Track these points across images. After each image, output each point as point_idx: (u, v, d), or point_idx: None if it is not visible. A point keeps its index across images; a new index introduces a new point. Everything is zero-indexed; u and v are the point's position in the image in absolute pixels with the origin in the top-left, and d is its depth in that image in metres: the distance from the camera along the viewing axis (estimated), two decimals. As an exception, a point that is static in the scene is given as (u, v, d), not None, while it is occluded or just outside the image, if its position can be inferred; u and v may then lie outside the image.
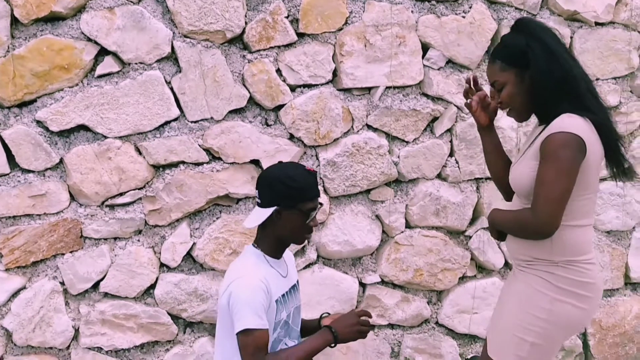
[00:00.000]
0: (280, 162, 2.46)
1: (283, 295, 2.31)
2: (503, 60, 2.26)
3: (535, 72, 2.19)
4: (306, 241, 2.38)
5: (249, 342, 2.14)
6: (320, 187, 3.30)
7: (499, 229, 2.39)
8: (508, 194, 2.49)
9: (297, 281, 2.49)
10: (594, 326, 3.73)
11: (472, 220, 3.55)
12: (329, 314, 2.46)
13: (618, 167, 2.30)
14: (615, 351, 3.77)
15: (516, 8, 3.48)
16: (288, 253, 2.52)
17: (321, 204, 2.38)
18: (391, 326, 3.54)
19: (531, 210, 2.16)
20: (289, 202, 2.24)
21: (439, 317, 3.58)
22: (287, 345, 2.33)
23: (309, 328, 2.52)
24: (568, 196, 2.14)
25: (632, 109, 3.69)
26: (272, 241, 2.33)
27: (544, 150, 2.13)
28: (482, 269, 3.62)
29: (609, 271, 3.74)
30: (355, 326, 2.32)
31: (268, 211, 2.25)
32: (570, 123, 2.12)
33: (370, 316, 2.38)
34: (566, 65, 2.19)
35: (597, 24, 3.59)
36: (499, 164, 2.54)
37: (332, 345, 2.29)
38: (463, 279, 3.58)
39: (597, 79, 3.62)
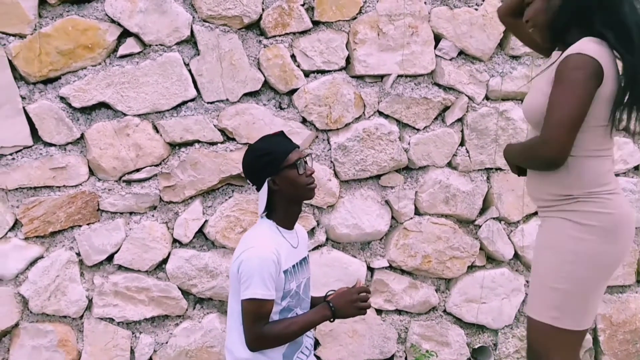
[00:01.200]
0: (248, 145, 2.56)
1: (293, 266, 2.36)
2: None
3: None
4: (314, 194, 2.40)
5: (252, 310, 2.21)
6: (330, 171, 3.40)
7: (513, 162, 2.36)
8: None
9: (307, 256, 2.54)
10: (604, 322, 3.72)
11: (482, 210, 3.59)
12: (334, 291, 2.49)
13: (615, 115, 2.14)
14: (626, 348, 3.74)
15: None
16: (301, 229, 2.57)
17: (309, 154, 2.45)
18: (398, 312, 3.58)
19: (541, 135, 2.09)
20: (273, 168, 2.31)
21: (447, 305, 3.61)
22: (298, 315, 2.38)
23: (315, 304, 2.55)
24: (579, 121, 2.05)
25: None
26: (282, 209, 2.38)
27: (557, 73, 2.06)
28: (492, 260, 3.64)
29: (620, 267, 3.73)
30: (354, 302, 2.35)
31: (265, 188, 2.33)
32: (590, 47, 2.05)
33: (369, 292, 2.40)
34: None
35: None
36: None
37: (331, 320, 2.34)
38: (472, 268, 3.61)
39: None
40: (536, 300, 2.25)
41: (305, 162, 2.38)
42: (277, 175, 2.31)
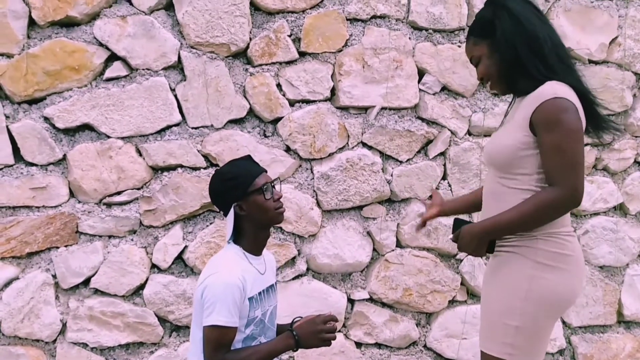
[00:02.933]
0: (215, 170, 2.52)
1: (259, 293, 2.30)
2: (475, 34, 2.29)
3: (501, 38, 2.19)
4: (282, 218, 2.36)
5: (214, 337, 2.15)
6: (313, 200, 3.40)
7: (510, 233, 2.21)
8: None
9: (275, 283, 2.48)
10: (586, 361, 3.70)
11: (464, 245, 3.58)
12: (301, 317, 2.41)
13: (599, 127, 2.24)
14: (608, 389, 3.71)
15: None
16: (269, 255, 2.52)
17: (278, 178, 2.40)
18: (378, 345, 3.53)
19: (555, 183, 2.07)
20: (239, 193, 2.26)
21: (427, 340, 3.56)
22: (261, 343, 2.31)
23: (281, 331, 2.46)
24: (584, 161, 2.08)
25: (626, 146, 3.76)
26: (250, 235, 2.32)
27: (542, 119, 2.08)
28: (473, 295, 3.62)
29: (601, 306, 3.73)
30: (319, 333, 2.27)
31: (231, 213, 2.28)
32: (562, 90, 2.09)
33: (336, 320, 2.33)
34: (529, 27, 2.17)
35: (590, 61, 3.71)
36: (478, 196, 2.51)
37: (294, 349, 2.28)
38: (453, 302, 3.59)
39: (591, 115, 3.71)
40: (489, 334, 2.25)
41: (273, 186, 2.34)
42: (243, 201, 2.26)
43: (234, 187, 2.27)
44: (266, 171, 2.37)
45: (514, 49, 2.17)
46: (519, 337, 2.16)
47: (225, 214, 2.32)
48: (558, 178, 2.07)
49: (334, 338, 2.30)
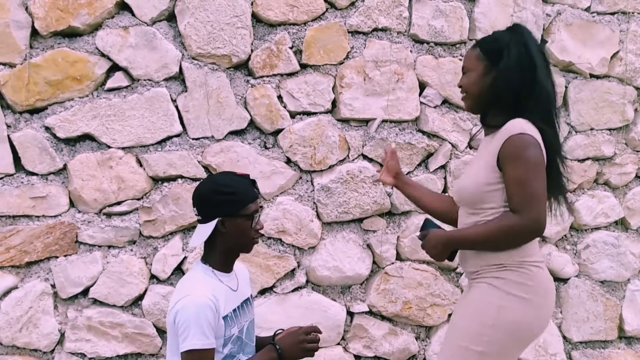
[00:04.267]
0: (209, 175, 2.42)
1: (234, 310, 2.25)
2: (482, 49, 2.32)
3: (503, 70, 2.23)
4: (255, 244, 2.32)
5: None
6: (313, 212, 3.39)
7: (470, 248, 2.31)
8: (452, 220, 2.54)
9: (251, 295, 2.43)
10: (586, 377, 3.67)
11: (464, 258, 3.57)
12: (282, 330, 2.37)
13: (555, 182, 2.32)
14: (608, 405, 3.68)
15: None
16: (241, 267, 2.46)
17: (262, 207, 2.31)
18: (377, 359, 3.51)
19: (517, 213, 2.15)
20: (230, 210, 2.20)
21: (427, 353, 3.55)
22: None
23: (263, 345, 2.40)
24: (545, 193, 2.17)
25: (627, 160, 3.76)
26: (220, 254, 2.26)
27: (507, 154, 2.16)
28: (473, 309, 3.60)
29: (602, 321, 3.71)
30: (301, 344, 2.23)
31: (211, 225, 2.20)
32: (527, 127, 2.18)
33: (319, 332, 2.29)
34: (538, 72, 2.23)
35: (592, 75, 3.72)
36: (433, 200, 2.62)
37: None
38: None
39: (592, 129, 3.72)
40: (448, 357, 2.31)
41: (259, 216, 2.29)
42: (229, 219, 2.20)
43: (228, 202, 2.19)
44: (259, 197, 2.31)
45: (509, 86, 2.23)
46: None
47: (202, 222, 2.24)
48: (520, 209, 2.15)
49: (317, 349, 2.27)
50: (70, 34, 3.21)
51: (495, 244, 2.23)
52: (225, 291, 2.22)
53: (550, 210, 2.35)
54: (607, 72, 3.72)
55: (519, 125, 2.18)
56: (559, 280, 3.69)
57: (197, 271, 2.27)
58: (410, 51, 3.50)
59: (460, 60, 3.53)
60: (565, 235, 3.73)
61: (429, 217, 2.60)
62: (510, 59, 2.23)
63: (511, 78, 2.22)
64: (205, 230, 2.21)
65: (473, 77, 2.32)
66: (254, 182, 2.30)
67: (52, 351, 3.20)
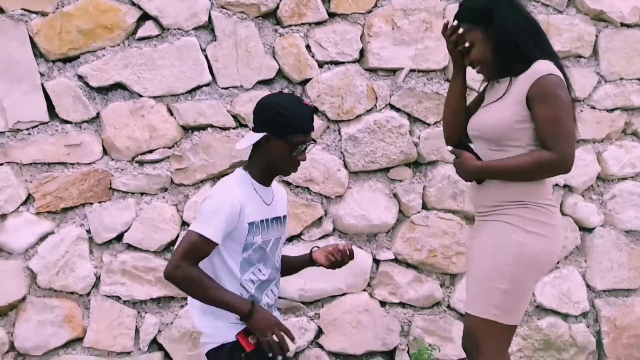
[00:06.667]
0: (280, 92, 2.47)
1: (262, 221, 2.29)
2: (468, 21, 2.37)
3: (501, 25, 2.31)
4: (287, 175, 2.43)
5: (190, 242, 2.16)
6: (340, 161, 3.43)
7: (501, 178, 2.35)
8: (452, 137, 2.58)
9: (284, 217, 2.47)
10: (608, 325, 3.72)
11: (489, 208, 3.60)
12: (318, 247, 2.46)
13: None
14: (630, 352, 3.73)
15: (543, 3, 3.60)
16: (280, 188, 2.53)
17: (314, 141, 2.34)
18: (402, 305, 3.59)
19: (552, 149, 2.25)
20: (277, 131, 2.23)
21: (451, 300, 3.61)
22: (261, 271, 2.31)
23: (299, 262, 2.55)
24: (575, 131, 2.31)
25: (657, 111, 3.74)
26: (259, 167, 2.32)
27: (538, 94, 2.25)
28: (497, 258, 3.65)
29: (626, 270, 3.74)
30: (272, 327, 2.20)
31: (257, 136, 2.25)
32: (553, 67, 2.29)
33: (292, 339, 2.24)
34: (528, 16, 2.38)
35: (622, 24, 3.68)
36: (461, 105, 2.60)
37: (240, 318, 2.20)
38: (477, 265, 3.62)
39: (622, 79, 3.70)
40: (477, 298, 2.41)
41: (305, 149, 2.32)
42: (275, 138, 2.23)
43: (277, 123, 2.23)
44: (313, 131, 2.33)
45: (513, 34, 2.31)
46: (506, 299, 2.33)
47: (254, 130, 2.31)
48: (554, 146, 2.26)
49: (279, 353, 2.20)
50: (101, -17, 3.24)
51: (526, 175, 2.32)
52: (257, 200, 2.30)
53: None
54: (638, 20, 3.67)
55: (547, 67, 2.28)
56: (584, 229, 3.71)
57: (234, 176, 2.36)
58: (440, -1, 3.49)
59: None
60: (591, 185, 3.74)
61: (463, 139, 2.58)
62: (500, 11, 2.32)
63: (513, 27, 2.31)
64: (251, 139, 2.30)
65: (479, 47, 2.38)
66: (313, 116, 2.32)
67: (89, 294, 3.31)
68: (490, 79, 2.51)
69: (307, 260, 2.50)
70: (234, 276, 2.25)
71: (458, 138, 2.55)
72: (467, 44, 2.40)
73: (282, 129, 2.23)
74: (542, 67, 2.28)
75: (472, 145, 2.50)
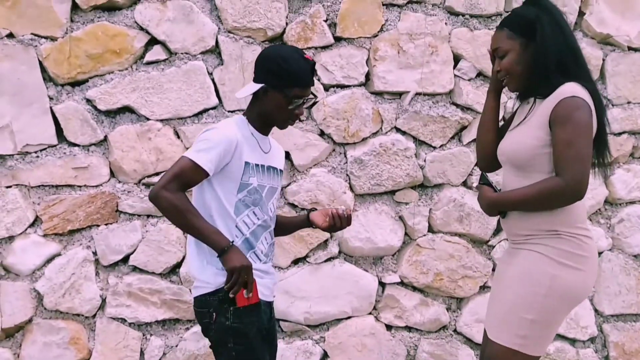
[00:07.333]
0: (283, 44, 2.43)
1: (257, 165, 2.29)
2: (511, 28, 2.32)
3: (542, 43, 2.24)
4: (289, 125, 2.38)
5: (182, 166, 2.16)
6: (346, 184, 3.44)
7: (514, 209, 2.34)
8: (487, 162, 2.54)
9: (281, 170, 2.47)
10: (617, 350, 3.68)
11: (497, 231, 3.60)
12: (316, 209, 2.43)
13: (601, 154, 2.35)
14: (639, 378, 3.70)
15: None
16: (278, 145, 2.53)
17: (315, 96, 2.29)
18: (408, 329, 3.57)
19: (559, 175, 2.18)
20: (276, 82, 2.24)
21: (458, 324, 3.60)
22: (256, 215, 2.29)
23: (296, 222, 2.58)
24: (591, 156, 2.22)
25: (664, 134, 3.73)
26: (257, 115, 2.33)
27: (558, 115, 2.18)
28: (504, 281, 3.63)
29: (634, 295, 3.71)
30: (243, 268, 2.15)
31: (256, 86, 2.27)
32: (578, 90, 2.20)
33: (250, 290, 2.19)
34: (570, 38, 2.29)
35: (630, 48, 3.68)
36: (493, 130, 2.53)
37: (217, 254, 2.17)
38: (484, 288, 3.60)
39: (629, 102, 3.69)
40: (502, 326, 2.33)
41: (303, 104, 2.32)
42: (273, 90, 2.24)
43: (276, 75, 2.23)
44: (313, 84, 2.34)
45: (550, 55, 2.25)
46: (533, 330, 2.27)
47: (254, 80, 2.31)
48: (564, 170, 2.17)
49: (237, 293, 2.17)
50: (110, 8, 3.28)
51: (536, 206, 2.27)
52: (254, 144, 2.31)
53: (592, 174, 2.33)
54: (646, 44, 3.68)
55: (571, 89, 2.20)
56: (592, 254, 3.69)
57: (234, 119, 2.39)
58: (445, 23, 3.50)
59: (496, 32, 3.51)
60: (599, 209, 3.72)
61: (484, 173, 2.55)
62: (545, 29, 2.25)
63: (551, 47, 2.24)
64: (250, 88, 2.31)
65: (512, 58, 2.32)
66: (313, 70, 2.31)
67: (94, 316, 3.33)
68: (514, 91, 2.46)
69: (304, 221, 2.51)
70: (229, 216, 2.24)
71: (490, 160, 2.51)
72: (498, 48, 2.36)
73: (280, 81, 2.24)
74: (567, 88, 2.20)
75: (496, 178, 2.47)
